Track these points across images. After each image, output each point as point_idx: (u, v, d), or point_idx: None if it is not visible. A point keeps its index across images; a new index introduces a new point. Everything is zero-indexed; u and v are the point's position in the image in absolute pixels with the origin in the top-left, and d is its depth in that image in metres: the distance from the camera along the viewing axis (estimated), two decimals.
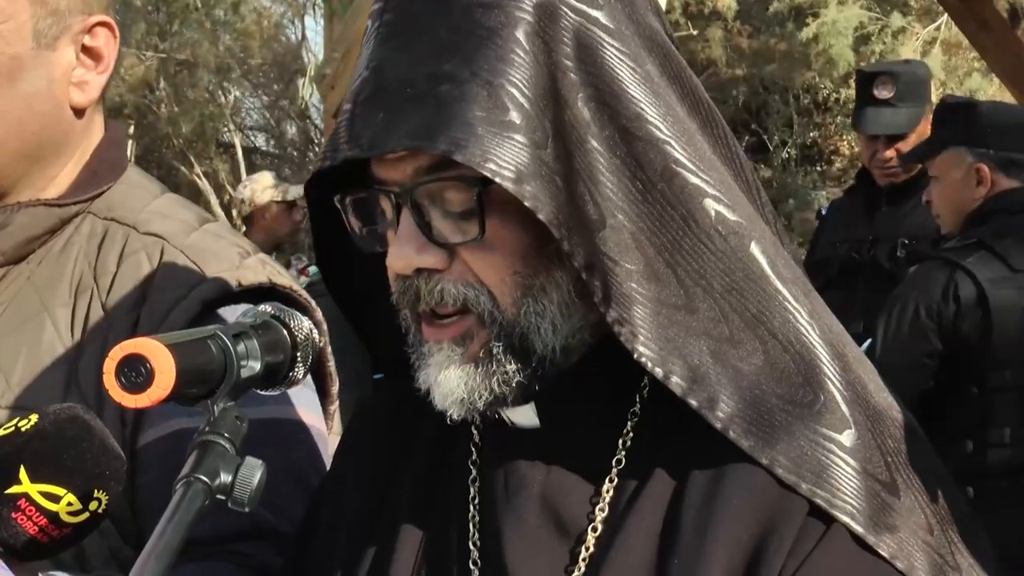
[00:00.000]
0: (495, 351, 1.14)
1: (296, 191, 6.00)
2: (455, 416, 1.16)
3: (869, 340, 3.65)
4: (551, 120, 1.11)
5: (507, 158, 1.08)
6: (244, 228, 6.03)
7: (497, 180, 1.07)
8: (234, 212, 6.39)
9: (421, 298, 1.15)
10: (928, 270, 3.67)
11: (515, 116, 1.09)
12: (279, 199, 5.99)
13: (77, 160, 1.59)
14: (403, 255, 1.14)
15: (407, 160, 1.13)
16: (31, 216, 1.55)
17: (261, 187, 6.06)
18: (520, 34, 1.11)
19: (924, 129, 4.39)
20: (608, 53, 1.13)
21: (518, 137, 1.09)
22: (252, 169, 15.59)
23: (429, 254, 1.14)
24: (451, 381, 1.15)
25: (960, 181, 3.72)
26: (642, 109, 1.13)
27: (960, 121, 3.76)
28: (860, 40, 13.50)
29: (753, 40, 15.09)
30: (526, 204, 1.08)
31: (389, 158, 1.14)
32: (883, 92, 4.40)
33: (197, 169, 16.83)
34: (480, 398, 1.15)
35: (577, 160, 1.11)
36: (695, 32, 14.59)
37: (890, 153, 4.47)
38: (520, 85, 1.09)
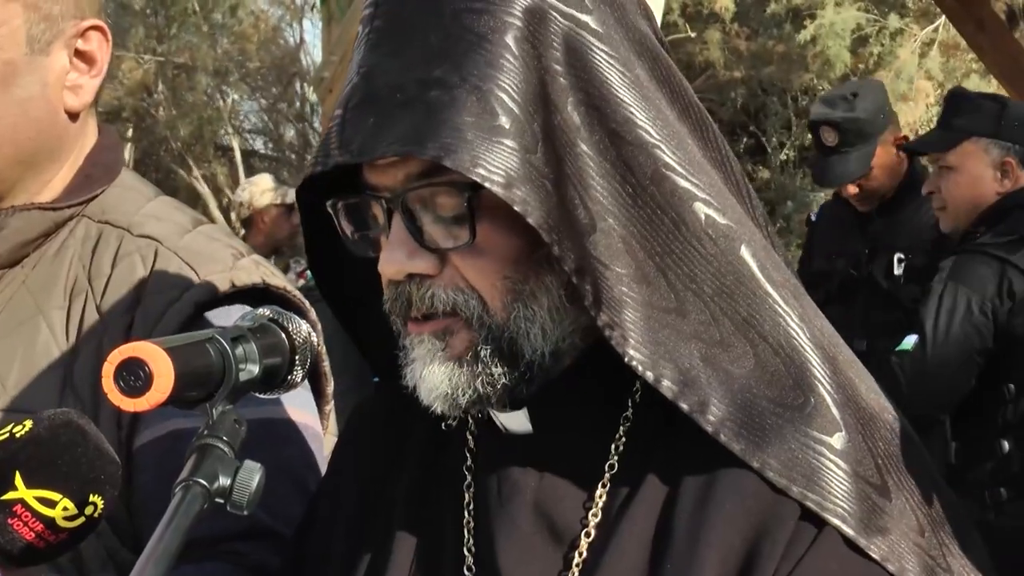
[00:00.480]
0: (482, 353, 1.14)
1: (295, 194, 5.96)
2: (439, 411, 1.16)
3: (915, 337, 3.51)
4: (541, 125, 1.11)
5: (496, 163, 1.07)
6: (243, 231, 6.02)
7: (486, 185, 1.07)
8: (233, 215, 6.38)
9: (413, 304, 1.15)
10: (972, 264, 3.53)
11: (504, 121, 1.09)
12: (278, 202, 5.97)
13: (71, 164, 1.59)
14: (394, 260, 1.14)
15: (398, 166, 1.13)
16: (25, 220, 1.55)
17: (260, 190, 6.04)
18: (510, 39, 1.10)
19: (884, 156, 4.32)
20: (597, 57, 1.13)
21: (507, 142, 1.08)
22: (251, 172, 15.58)
23: (420, 259, 1.14)
24: (435, 376, 1.15)
25: (983, 173, 3.65)
26: (631, 113, 1.13)
27: (989, 114, 3.68)
28: (858, 42, 13.51)
29: (751, 42, 15.09)
30: (516, 209, 1.08)
31: (380, 164, 1.14)
32: (828, 140, 4.37)
33: (196, 172, 16.82)
34: (464, 395, 1.15)
35: (567, 164, 1.10)
36: (693, 34, 14.58)
37: (853, 189, 4.42)
38: (509, 90, 1.09)
